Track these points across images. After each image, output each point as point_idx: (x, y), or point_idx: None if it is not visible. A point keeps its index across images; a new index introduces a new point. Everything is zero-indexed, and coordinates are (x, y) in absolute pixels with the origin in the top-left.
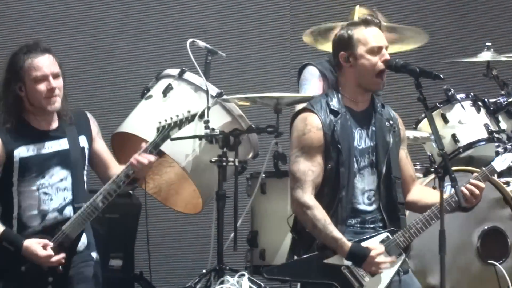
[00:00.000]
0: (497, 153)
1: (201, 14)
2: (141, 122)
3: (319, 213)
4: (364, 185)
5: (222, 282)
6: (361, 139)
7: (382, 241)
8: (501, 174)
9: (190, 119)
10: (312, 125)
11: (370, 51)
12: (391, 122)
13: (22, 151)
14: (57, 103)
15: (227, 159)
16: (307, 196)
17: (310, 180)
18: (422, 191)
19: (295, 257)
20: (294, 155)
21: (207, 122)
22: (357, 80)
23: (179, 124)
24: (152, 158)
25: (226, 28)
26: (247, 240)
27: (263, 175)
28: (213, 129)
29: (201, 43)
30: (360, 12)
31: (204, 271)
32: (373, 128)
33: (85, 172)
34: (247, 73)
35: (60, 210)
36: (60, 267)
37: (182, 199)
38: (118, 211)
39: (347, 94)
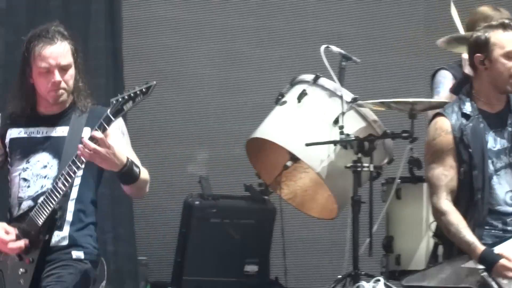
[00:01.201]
0: None
1: (335, 20)
2: (276, 128)
3: (453, 218)
4: (504, 186)
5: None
6: (495, 141)
7: None
8: None
9: (145, 91)
10: (441, 129)
11: (505, 55)
12: None
13: (14, 132)
14: (63, 96)
15: (362, 165)
16: (441, 202)
17: (443, 185)
18: None
19: (437, 262)
20: (428, 161)
21: (341, 127)
22: (492, 82)
23: (134, 97)
24: (98, 134)
25: (361, 33)
26: (382, 245)
27: (398, 180)
28: (348, 135)
29: (335, 49)
30: (484, 11)
31: (339, 276)
32: (510, 129)
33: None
34: (381, 79)
35: (35, 198)
36: (31, 258)
37: (317, 204)
38: (253, 217)
39: (482, 96)
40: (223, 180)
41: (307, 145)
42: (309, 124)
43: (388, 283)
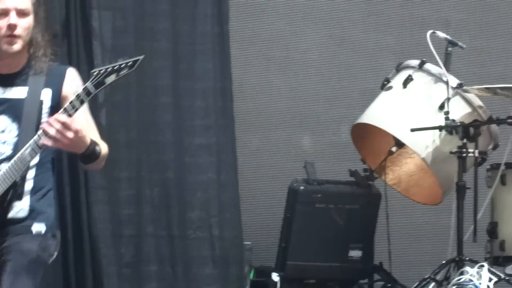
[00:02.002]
0: None
1: (443, 5)
2: (382, 113)
3: None
4: None
5: (461, 273)
6: None
7: None
8: None
9: (131, 65)
10: None
11: None
12: None
13: None
14: (17, 45)
15: (467, 150)
16: None
17: None
18: None
19: None
20: None
21: (447, 113)
22: None
23: (117, 70)
24: (62, 118)
25: (467, 19)
26: (487, 231)
27: (504, 166)
28: (453, 120)
29: (441, 34)
30: None
31: (443, 262)
32: None
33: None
34: (487, 64)
35: None
36: None
37: (422, 190)
38: (358, 202)
39: None
40: (328, 165)
41: (412, 130)
42: (414, 109)
43: (492, 269)
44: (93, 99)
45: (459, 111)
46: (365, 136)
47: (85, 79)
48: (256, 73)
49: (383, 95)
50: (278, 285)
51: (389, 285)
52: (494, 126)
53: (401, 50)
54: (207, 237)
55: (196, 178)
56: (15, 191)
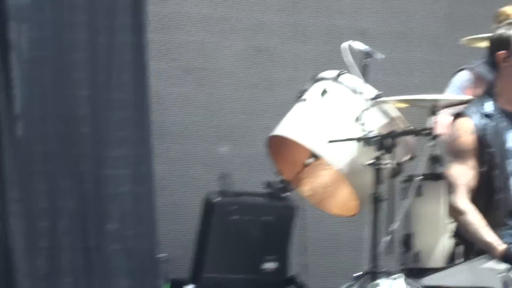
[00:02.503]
0: None
1: (360, 16)
2: (297, 125)
3: (471, 217)
4: None
5: (376, 285)
6: None
7: None
8: None
9: None
10: (464, 129)
11: None
12: None
13: None
14: None
15: (383, 162)
16: (460, 201)
17: (462, 184)
18: None
19: (455, 262)
20: (448, 160)
21: (363, 124)
22: None
23: None
24: None
25: (384, 30)
26: (402, 242)
27: (419, 177)
28: (369, 131)
29: (358, 45)
30: (506, 11)
31: (358, 274)
32: None
33: None
34: (405, 75)
35: None
36: None
37: (338, 201)
38: (274, 214)
39: (504, 95)
40: (244, 177)
41: (330, 142)
42: (331, 121)
43: (407, 280)
44: (9, 110)
45: (376, 122)
46: (281, 147)
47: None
48: (174, 83)
49: (299, 106)
50: None
51: None
52: (410, 138)
53: (320, 61)
54: (123, 249)
55: (113, 190)
56: None
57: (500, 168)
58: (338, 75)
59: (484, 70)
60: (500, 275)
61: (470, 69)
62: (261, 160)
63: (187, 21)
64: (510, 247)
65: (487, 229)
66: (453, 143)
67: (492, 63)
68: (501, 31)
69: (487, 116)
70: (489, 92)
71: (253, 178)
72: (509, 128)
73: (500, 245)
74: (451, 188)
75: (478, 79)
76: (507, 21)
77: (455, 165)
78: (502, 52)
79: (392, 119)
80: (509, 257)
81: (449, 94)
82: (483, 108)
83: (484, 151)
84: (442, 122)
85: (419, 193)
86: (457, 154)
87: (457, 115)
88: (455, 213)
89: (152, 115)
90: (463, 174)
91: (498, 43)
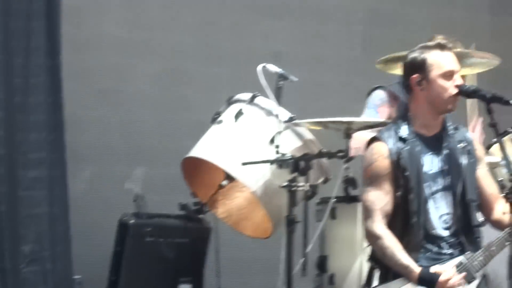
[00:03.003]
0: None
1: (274, 39)
2: (212, 147)
3: (388, 241)
4: (440, 209)
5: None
6: (432, 164)
7: (457, 265)
8: None
9: None
10: (379, 153)
11: (444, 75)
12: (464, 143)
13: None
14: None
15: (298, 184)
16: (376, 226)
17: (378, 209)
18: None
19: (371, 286)
20: (365, 185)
21: (277, 146)
22: (430, 103)
23: None
24: None
25: (299, 52)
26: (316, 265)
27: (334, 199)
28: (283, 154)
29: (272, 68)
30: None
31: None
32: (445, 152)
33: None
34: (318, 98)
35: None
36: None
37: (252, 223)
38: (188, 236)
39: (419, 118)
40: (159, 199)
41: (243, 164)
42: (245, 143)
43: None
44: None
45: (289, 144)
46: (196, 169)
47: None
48: (89, 106)
49: (214, 128)
50: None
51: None
52: (324, 160)
53: (235, 84)
54: (39, 270)
55: (29, 212)
56: None
57: (416, 191)
58: (253, 97)
59: (398, 89)
60: None
61: (384, 88)
62: (177, 182)
63: (102, 43)
64: (425, 270)
65: (403, 252)
66: (369, 168)
67: (406, 86)
68: (415, 54)
69: (402, 140)
70: (404, 116)
71: (168, 200)
72: (425, 151)
73: (416, 268)
74: (367, 213)
75: (392, 98)
76: (420, 45)
77: (370, 190)
78: (415, 76)
79: (306, 142)
80: (425, 280)
81: (366, 115)
82: (398, 132)
83: (400, 175)
84: (356, 144)
85: (333, 215)
86: (373, 179)
87: (372, 139)
88: (371, 238)
89: (67, 137)
90: (379, 198)
91: (411, 67)
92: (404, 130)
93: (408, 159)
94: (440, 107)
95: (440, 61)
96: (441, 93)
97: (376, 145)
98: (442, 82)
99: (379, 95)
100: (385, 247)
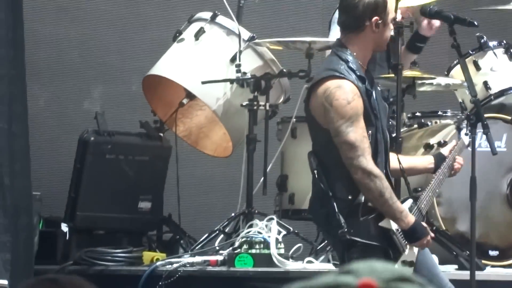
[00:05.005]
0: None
1: None
2: (173, 65)
3: (385, 182)
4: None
5: (251, 226)
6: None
7: (409, 209)
8: None
9: None
10: (353, 92)
11: (393, 19)
12: (379, 86)
13: None
14: None
15: (258, 103)
16: (372, 164)
17: (367, 147)
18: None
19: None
20: (345, 125)
21: (238, 65)
22: (374, 43)
23: None
24: None
25: None
26: (277, 184)
27: (294, 119)
28: (244, 73)
29: None
30: None
31: (233, 214)
32: (375, 92)
33: None
34: (279, 18)
35: None
36: None
37: (212, 142)
38: (148, 154)
39: (360, 58)
40: (119, 117)
41: (203, 82)
42: (206, 61)
43: (281, 222)
44: None
45: (251, 64)
46: (157, 88)
47: None
48: (47, 23)
49: (175, 47)
50: (67, 235)
51: (178, 237)
52: (285, 80)
53: (195, 2)
54: None
55: None
56: None
57: (381, 131)
58: (214, 16)
59: None
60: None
61: None
62: (137, 99)
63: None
64: (418, 221)
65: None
66: (347, 107)
67: (359, 25)
68: None
69: (361, 79)
70: (348, 53)
71: (128, 117)
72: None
73: (411, 216)
74: (357, 151)
75: None
76: None
77: (355, 129)
78: (377, 18)
79: (266, 61)
80: (415, 230)
81: (333, 32)
82: (354, 70)
83: (371, 113)
84: None
85: (293, 135)
86: (353, 117)
87: (333, 77)
88: (369, 176)
89: (26, 54)
90: (365, 136)
91: (374, 8)
92: (357, 68)
93: (376, 98)
94: (380, 47)
95: (392, 5)
96: (387, 36)
97: (344, 82)
98: (391, 26)
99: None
100: (385, 187)
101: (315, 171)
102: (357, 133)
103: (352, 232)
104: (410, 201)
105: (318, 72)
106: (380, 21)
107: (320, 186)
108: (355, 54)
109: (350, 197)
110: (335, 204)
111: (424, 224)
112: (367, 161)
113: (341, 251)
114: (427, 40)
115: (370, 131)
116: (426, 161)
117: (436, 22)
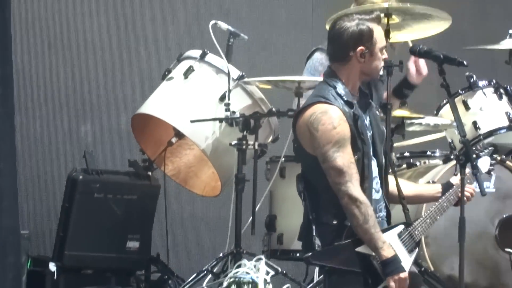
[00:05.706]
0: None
1: None
2: (162, 103)
3: (371, 210)
4: (373, 173)
5: (239, 266)
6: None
7: (399, 234)
8: None
9: None
10: (339, 117)
11: (382, 49)
12: (378, 111)
13: None
14: None
15: (247, 142)
16: (359, 191)
17: (355, 173)
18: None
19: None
20: (331, 151)
21: (227, 104)
22: (362, 73)
23: None
24: None
25: (249, 10)
26: (265, 224)
27: (283, 159)
28: (233, 112)
29: (223, 25)
30: None
31: (221, 254)
32: (369, 117)
33: None
34: (269, 56)
35: None
36: None
37: (201, 181)
38: (137, 193)
39: (349, 86)
40: (107, 155)
41: (192, 121)
42: (195, 100)
43: (269, 262)
44: None
45: (240, 102)
46: (146, 126)
47: None
48: (38, 58)
49: (164, 85)
50: (55, 275)
51: (166, 276)
52: (274, 119)
53: (185, 40)
54: None
55: None
56: None
57: (367, 156)
58: (203, 54)
59: None
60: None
61: (323, 50)
62: (125, 138)
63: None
64: (398, 256)
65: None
66: (333, 132)
67: (344, 56)
68: (361, 26)
69: (348, 104)
70: (334, 76)
71: (116, 156)
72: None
73: (391, 249)
74: (344, 177)
75: None
76: (363, 17)
77: (342, 155)
78: (362, 48)
79: (256, 100)
80: (394, 264)
81: (305, 71)
82: (341, 95)
83: (358, 138)
84: None
85: (282, 174)
86: (340, 142)
87: (318, 102)
88: (355, 202)
89: (15, 91)
90: (352, 162)
91: (359, 38)
92: (345, 93)
93: (361, 123)
94: (370, 76)
95: (381, 35)
96: (378, 66)
97: (331, 108)
98: (379, 55)
99: (318, 59)
100: (370, 215)
101: (302, 194)
102: (345, 159)
103: (319, 257)
104: (401, 226)
105: (307, 99)
106: (366, 51)
107: (307, 211)
108: (344, 81)
109: (335, 222)
110: (314, 227)
111: (409, 262)
112: (354, 187)
113: (325, 278)
114: (415, 88)
115: (356, 156)
116: (433, 189)
117: (425, 70)
